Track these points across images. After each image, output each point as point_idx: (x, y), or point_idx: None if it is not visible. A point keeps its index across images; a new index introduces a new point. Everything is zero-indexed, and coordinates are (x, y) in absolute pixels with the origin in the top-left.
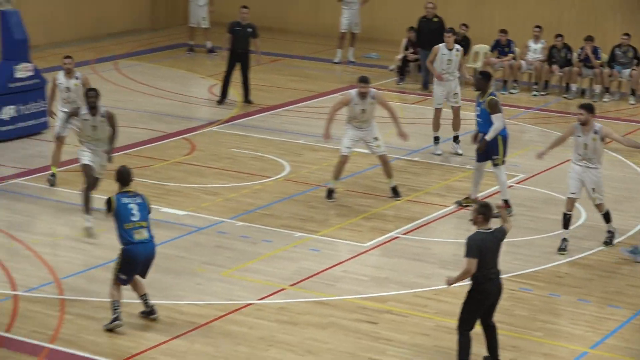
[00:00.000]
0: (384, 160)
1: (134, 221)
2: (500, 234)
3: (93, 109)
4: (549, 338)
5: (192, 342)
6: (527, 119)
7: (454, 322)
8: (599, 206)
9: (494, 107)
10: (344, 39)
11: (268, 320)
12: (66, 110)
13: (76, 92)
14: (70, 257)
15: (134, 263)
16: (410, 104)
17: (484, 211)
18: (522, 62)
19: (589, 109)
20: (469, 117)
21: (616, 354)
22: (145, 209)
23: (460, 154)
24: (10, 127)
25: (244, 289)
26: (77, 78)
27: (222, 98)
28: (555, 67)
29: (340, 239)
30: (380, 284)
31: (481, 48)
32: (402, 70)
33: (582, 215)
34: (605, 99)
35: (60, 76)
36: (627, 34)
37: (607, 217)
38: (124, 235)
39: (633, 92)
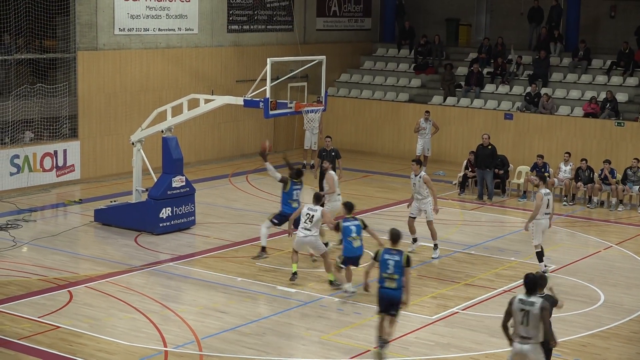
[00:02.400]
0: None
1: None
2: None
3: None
4: None
5: None
6: (558, 223)
7: None
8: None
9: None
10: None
11: None
12: None
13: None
14: (209, 322)
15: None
16: (469, 210)
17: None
18: (555, 179)
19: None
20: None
21: None
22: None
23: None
24: (167, 223)
25: (338, 349)
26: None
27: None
28: (580, 183)
29: (414, 312)
30: (444, 348)
31: (523, 168)
32: (463, 185)
33: (602, 297)
34: (619, 209)
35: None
36: (636, 158)
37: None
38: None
39: None
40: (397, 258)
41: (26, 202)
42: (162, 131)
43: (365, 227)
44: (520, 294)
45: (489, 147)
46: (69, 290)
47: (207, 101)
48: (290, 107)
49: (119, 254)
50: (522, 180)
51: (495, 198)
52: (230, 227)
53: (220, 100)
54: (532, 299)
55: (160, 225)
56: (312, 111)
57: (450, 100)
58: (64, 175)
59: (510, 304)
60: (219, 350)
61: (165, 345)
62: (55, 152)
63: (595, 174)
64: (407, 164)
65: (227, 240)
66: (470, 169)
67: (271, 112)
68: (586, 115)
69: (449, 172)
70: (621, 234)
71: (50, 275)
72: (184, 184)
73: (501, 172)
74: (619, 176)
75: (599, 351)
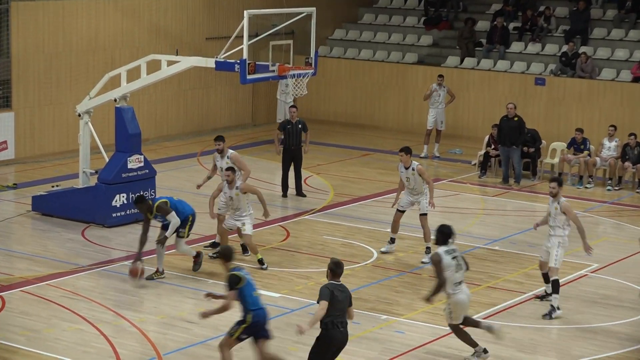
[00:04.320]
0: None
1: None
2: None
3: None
4: None
5: None
6: (601, 212)
7: None
8: (550, 269)
9: None
10: (430, 136)
11: None
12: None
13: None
14: (173, 335)
15: None
16: (491, 197)
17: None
18: (597, 158)
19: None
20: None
21: None
22: None
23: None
24: (121, 213)
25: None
26: (228, 157)
27: (284, 192)
28: (628, 163)
29: (424, 321)
30: None
31: (558, 145)
32: (484, 165)
33: None
34: None
35: (217, 157)
36: None
37: (554, 285)
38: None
39: None
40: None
41: None
42: (116, 100)
43: None
44: (442, 247)
45: (516, 119)
46: (0, 296)
47: (170, 63)
48: (273, 71)
49: (63, 250)
50: (556, 160)
51: (524, 181)
52: (199, 218)
53: (186, 62)
54: (452, 246)
55: (113, 215)
56: (299, 75)
57: (469, 61)
58: None
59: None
60: None
61: None
62: None
63: None
64: (416, 139)
65: (195, 234)
66: (493, 146)
67: (249, 77)
68: (635, 79)
69: (467, 150)
70: None
71: None
72: (142, 164)
73: (531, 149)
74: None
75: None
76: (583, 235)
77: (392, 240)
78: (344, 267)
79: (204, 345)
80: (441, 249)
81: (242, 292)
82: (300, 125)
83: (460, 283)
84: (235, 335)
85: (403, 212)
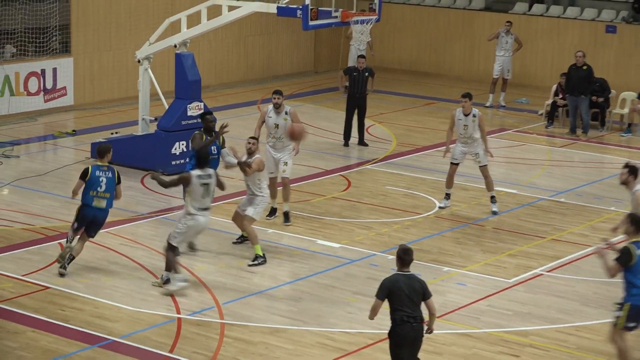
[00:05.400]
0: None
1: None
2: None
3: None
4: None
5: None
6: None
7: (594, 358)
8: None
9: None
10: (496, 84)
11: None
12: (271, 144)
13: (284, 127)
14: (232, 284)
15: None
16: (558, 147)
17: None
18: None
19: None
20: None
21: None
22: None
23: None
24: (181, 160)
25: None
26: (286, 113)
27: (346, 141)
28: None
29: (486, 274)
30: (523, 318)
31: (628, 95)
32: (551, 115)
33: None
34: None
35: (270, 111)
36: None
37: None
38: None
39: None
40: (109, 175)
41: (7, 133)
42: (175, 46)
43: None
44: (198, 170)
45: (584, 67)
46: (59, 243)
47: (231, 8)
48: (336, 17)
49: (122, 198)
50: (626, 110)
51: (592, 132)
52: None
53: (247, 8)
54: (209, 171)
55: (173, 163)
56: (362, 21)
57: (537, 8)
58: (53, 100)
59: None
60: (245, 319)
61: (178, 312)
62: (43, 71)
63: None
64: (482, 88)
65: None
66: (560, 96)
67: (311, 23)
68: None
69: (534, 99)
70: None
71: (37, 224)
72: (202, 112)
73: (600, 99)
74: None
75: None
76: None
77: (448, 196)
78: (410, 218)
79: (263, 295)
80: (194, 172)
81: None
82: (367, 73)
83: (206, 209)
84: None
85: (457, 164)
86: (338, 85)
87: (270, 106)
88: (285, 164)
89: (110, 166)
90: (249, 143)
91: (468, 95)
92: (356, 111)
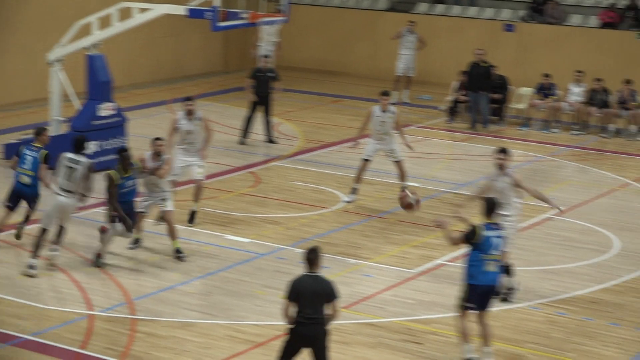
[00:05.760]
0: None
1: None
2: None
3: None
4: (581, 359)
5: None
6: (566, 156)
7: (496, 344)
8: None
9: None
10: (399, 82)
11: None
12: (183, 149)
13: (197, 133)
14: (143, 280)
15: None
16: (459, 142)
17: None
18: (564, 103)
19: (505, 152)
20: None
21: None
22: None
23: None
24: (92, 161)
25: None
26: (199, 119)
27: (243, 136)
28: (593, 108)
29: (391, 265)
30: (427, 307)
31: (526, 90)
32: (453, 111)
33: (615, 244)
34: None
35: (182, 118)
36: None
37: (507, 271)
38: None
39: None
40: (35, 155)
41: None
42: (87, 48)
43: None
44: (71, 154)
45: (484, 65)
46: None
47: (142, 11)
48: (245, 18)
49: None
50: (524, 105)
51: (492, 126)
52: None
53: (158, 10)
54: (81, 159)
55: None
56: (270, 22)
57: (439, 8)
58: None
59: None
60: (156, 314)
61: (91, 309)
62: None
63: (612, 97)
64: (386, 86)
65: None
66: (461, 92)
67: (220, 24)
68: (603, 25)
69: (437, 95)
70: None
71: None
72: (113, 112)
73: (500, 95)
74: None
75: (611, 308)
76: (545, 199)
77: (354, 191)
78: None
79: (174, 290)
80: (66, 154)
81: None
82: (270, 74)
83: (68, 192)
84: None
85: (369, 161)
86: (246, 88)
87: (182, 112)
88: (200, 166)
89: (41, 148)
90: (157, 145)
91: (387, 93)
92: (262, 109)
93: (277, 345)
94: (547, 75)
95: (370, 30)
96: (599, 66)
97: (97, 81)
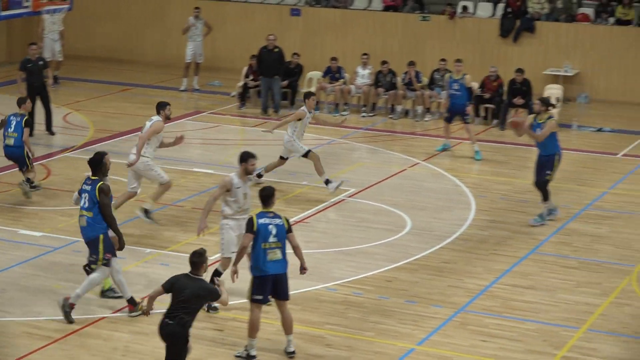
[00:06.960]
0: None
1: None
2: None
3: None
4: (379, 337)
5: (49, 357)
6: (357, 138)
7: (296, 327)
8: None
9: None
10: (188, 69)
11: (121, 331)
12: None
13: None
14: None
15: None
16: (251, 127)
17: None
18: (352, 86)
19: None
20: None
21: (439, 348)
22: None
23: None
24: None
25: (100, 303)
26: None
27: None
28: (381, 90)
29: (188, 253)
30: (229, 293)
31: (314, 74)
32: (243, 96)
33: (408, 223)
34: (426, 119)
35: None
36: (444, 59)
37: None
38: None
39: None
40: (19, 120)
41: None
42: None
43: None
44: None
45: (276, 50)
46: None
47: None
48: (27, 7)
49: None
50: (313, 89)
51: (283, 111)
52: None
53: None
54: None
55: None
56: (54, 11)
57: None
58: None
59: None
60: None
61: None
62: None
63: (398, 79)
64: (175, 72)
65: None
66: (251, 77)
67: (2, 13)
68: (386, 8)
69: (226, 81)
70: (429, 148)
71: None
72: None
73: (291, 80)
74: (425, 80)
75: (406, 286)
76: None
77: (260, 175)
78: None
79: None
80: None
81: None
82: (41, 62)
83: None
84: None
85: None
86: (18, 81)
87: None
88: None
89: (24, 114)
90: None
91: (311, 94)
92: (39, 100)
93: (76, 340)
94: (334, 59)
95: (159, 17)
96: (385, 49)
97: None
